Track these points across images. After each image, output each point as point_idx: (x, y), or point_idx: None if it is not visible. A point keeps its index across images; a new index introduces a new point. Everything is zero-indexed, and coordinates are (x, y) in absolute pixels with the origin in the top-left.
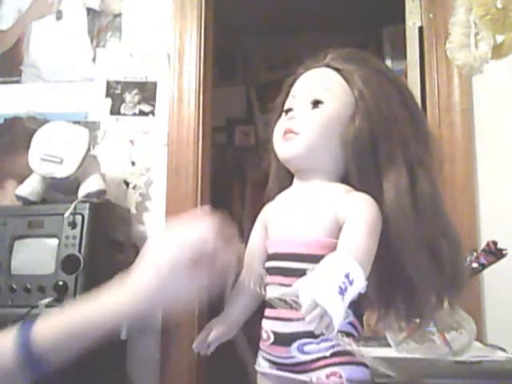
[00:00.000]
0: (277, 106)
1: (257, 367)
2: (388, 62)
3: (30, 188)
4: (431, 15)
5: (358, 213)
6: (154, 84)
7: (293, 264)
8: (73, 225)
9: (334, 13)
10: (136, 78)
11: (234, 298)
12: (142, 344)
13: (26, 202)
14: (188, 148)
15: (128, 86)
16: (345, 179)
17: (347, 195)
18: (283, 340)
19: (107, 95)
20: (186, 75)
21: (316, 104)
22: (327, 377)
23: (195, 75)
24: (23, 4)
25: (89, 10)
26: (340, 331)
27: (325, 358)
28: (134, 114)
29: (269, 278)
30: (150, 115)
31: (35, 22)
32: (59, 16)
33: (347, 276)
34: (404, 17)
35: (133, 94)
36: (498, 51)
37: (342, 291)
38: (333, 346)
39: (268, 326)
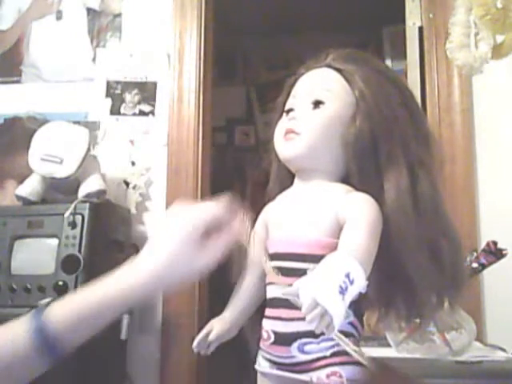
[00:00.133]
0: (278, 106)
1: (257, 367)
2: (388, 62)
3: (30, 188)
4: (431, 15)
5: (358, 213)
6: (154, 84)
7: (293, 264)
8: (73, 225)
9: (334, 13)
10: (136, 78)
11: (235, 297)
12: (142, 344)
13: (26, 201)
14: (188, 148)
15: (128, 86)
16: (345, 179)
17: (348, 195)
18: (283, 340)
19: (107, 95)
20: (186, 75)
21: (317, 104)
22: (327, 376)
23: (195, 75)
24: (23, 4)
25: (89, 10)
26: (340, 331)
27: (325, 357)
28: (134, 114)
29: (269, 278)
30: (150, 115)
31: (35, 21)
32: (59, 16)
33: (348, 276)
34: (404, 17)
35: (133, 94)
36: (497, 51)
37: (343, 291)
38: (333, 346)
39: (268, 326)
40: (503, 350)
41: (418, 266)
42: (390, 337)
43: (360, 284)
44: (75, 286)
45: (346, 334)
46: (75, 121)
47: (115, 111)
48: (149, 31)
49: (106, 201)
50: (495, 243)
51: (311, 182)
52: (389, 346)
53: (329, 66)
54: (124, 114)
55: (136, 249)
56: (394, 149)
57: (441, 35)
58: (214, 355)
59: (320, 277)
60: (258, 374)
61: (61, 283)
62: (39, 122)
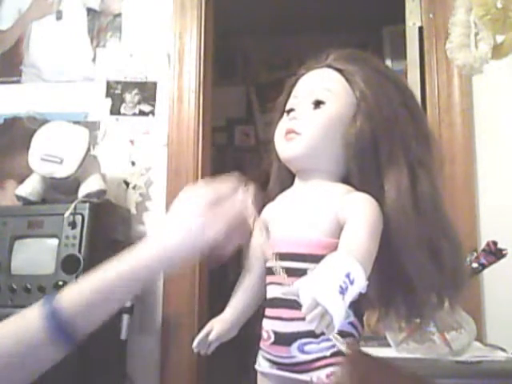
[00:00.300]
0: (278, 106)
1: (257, 367)
2: (388, 62)
3: (30, 188)
4: (431, 15)
5: (359, 213)
6: (154, 84)
7: (294, 264)
8: (73, 225)
9: (334, 13)
10: (136, 78)
11: (235, 297)
12: (142, 344)
13: (26, 201)
14: (188, 148)
15: (128, 86)
16: (346, 179)
17: (348, 195)
18: (284, 340)
19: (107, 95)
20: (185, 75)
21: (318, 104)
22: (327, 376)
23: (195, 75)
24: (23, 4)
25: (89, 10)
26: (341, 331)
27: (325, 357)
28: (134, 114)
29: (269, 278)
30: (150, 115)
31: (35, 21)
32: (59, 16)
33: (348, 276)
34: (404, 17)
35: (133, 94)
36: (497, 51)
37: (343, 291)
38: (333, 346)
39: (268, 326)
40: (503, 350)
41: (418, 266)
42: (389, 337)
43: (360, 284)
44: None
45: (347, 334)
46: (75, 121)
47: (115, 111)
48: (149, 31)
49: (106, 201)
50: (495, 243)
51: (311, 182)
52: (389, 345)
53: (329, 66)
54: (124, 114)
55: None
56: (395, 149)
57: (441, 35)
58: (214, 355)
59: (320, 277)
60: (258, 374)
61: (61, 283)
62: (39, 121)
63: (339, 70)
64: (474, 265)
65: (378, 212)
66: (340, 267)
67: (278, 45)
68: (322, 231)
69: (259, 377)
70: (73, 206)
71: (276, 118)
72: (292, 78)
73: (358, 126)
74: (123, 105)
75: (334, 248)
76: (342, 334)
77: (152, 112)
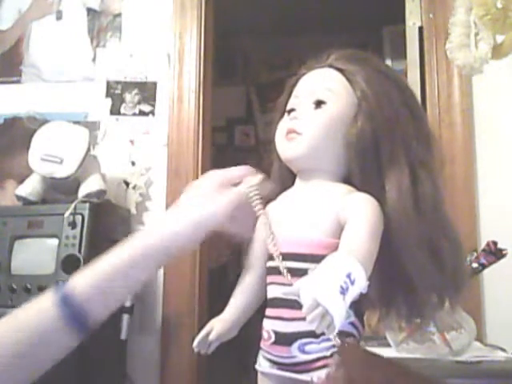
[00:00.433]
0: (279, 106)
1: (257, 367)
2: (388, 62)
3: (30, 188)
4: (431, 15)
5: (359, 213)
6: (154, 84)
7: (294, 264)
8: (73, 225)
9: (334, 13)
10: (136, 78)
11: (235, 297)
12: (142, 344)
13: (26, 201)
14: (188, 148)
15: (128, 86)
16: (347, 179)
17: (349, 195)
18: (284, 340)
19: (107, 95)
20: (185, 75)
21: (319, 104)
22: (328, 377)
23: (195, 75)
24: (23, 4)
25: (89, 10)
26: (341, 331)
27: (326, 357)
28: (134, 114)
29: (270, 278)
30: (150, 115)
31: (35, 22)
32: (59, 16)
33: (349, 276)
34: (404, 17)
35: (133, 94)
36: (497, 51)
37: (344, 291)
38: (334, 346)
39: (269, 326)
40: (503, 350)
41: (418, 266)
42: (389, 337)
43: (361, 284)
44: None
45: (347, 334)
46: (75, 121)
47: (115, 111)
48: (149, 31)
49: (106, 201)
50: (495, 243)
51: (312, 182)
52: (389, 345)
53: (330, 66)
54: (124, 114)
55: None
56: (396, 149)
57: (441, 35)
58: (214, 355)
59: (321, 277)
60: (259, 374)
61: (61, 283)
62: (39, 121)
63: (340, 70)
64: (474, 265)
65: (378, 212)
66: (341, 267)
67: (279, 45)
68: (322, 231)
69: (259, 377)
70: (73, 206)
71: (276, 118)
72: (293, 78)
73: (359, 126)
74: (123, 105)
75: (335, 248)
76: (343, 334)
77: (152, 112)
